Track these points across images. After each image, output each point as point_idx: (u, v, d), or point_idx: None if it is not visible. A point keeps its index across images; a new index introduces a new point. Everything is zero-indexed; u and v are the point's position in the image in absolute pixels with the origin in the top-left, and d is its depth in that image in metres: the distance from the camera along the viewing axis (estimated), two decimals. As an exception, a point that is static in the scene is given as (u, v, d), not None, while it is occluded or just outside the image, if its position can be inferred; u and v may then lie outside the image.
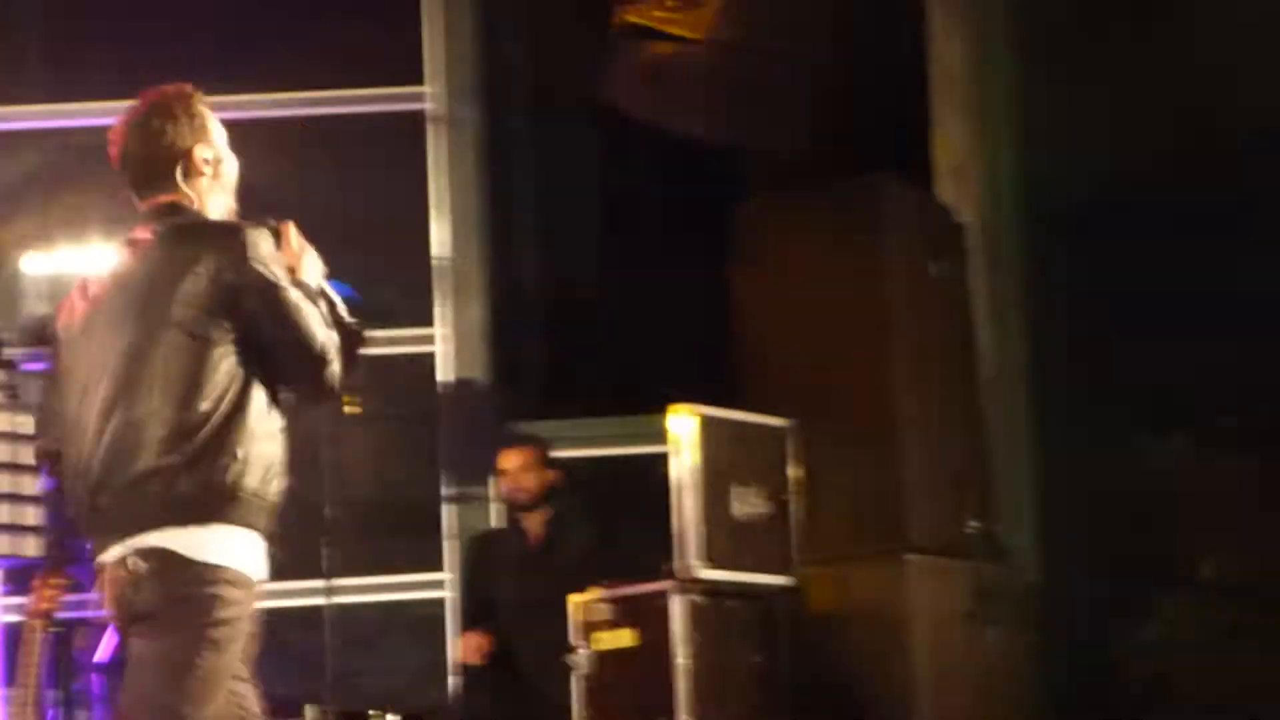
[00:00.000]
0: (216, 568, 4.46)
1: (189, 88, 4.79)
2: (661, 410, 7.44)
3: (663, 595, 7.25)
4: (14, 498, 7.51)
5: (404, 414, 8.59)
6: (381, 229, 8.72)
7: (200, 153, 4.70)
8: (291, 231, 4.70)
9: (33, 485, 7.57)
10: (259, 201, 8.33)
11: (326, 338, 4.57)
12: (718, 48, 8.06)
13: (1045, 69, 8.44)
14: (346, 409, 7.87)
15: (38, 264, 8.74)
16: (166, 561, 4.44)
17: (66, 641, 7.56)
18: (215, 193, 4.72)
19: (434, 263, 8.75)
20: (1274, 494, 8.06)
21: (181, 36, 8.59)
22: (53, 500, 7.51)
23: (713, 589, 7.34)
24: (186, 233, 4.60)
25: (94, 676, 7.98)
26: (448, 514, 8.57)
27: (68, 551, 7.73)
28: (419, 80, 8.79)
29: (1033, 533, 8.20)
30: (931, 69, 8.61)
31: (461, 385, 8.66)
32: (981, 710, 7.69)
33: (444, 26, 8.77)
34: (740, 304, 8.22)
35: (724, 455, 7.49)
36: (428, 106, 8.80)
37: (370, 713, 7.31)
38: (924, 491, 7.78)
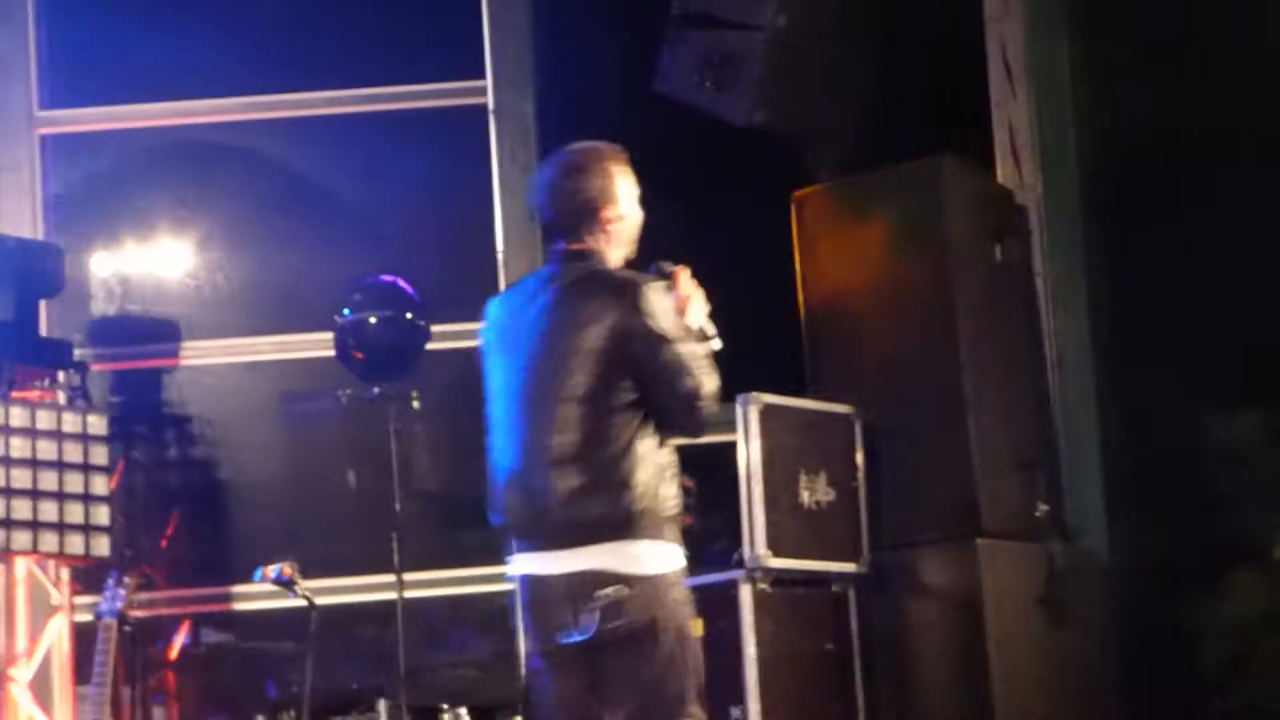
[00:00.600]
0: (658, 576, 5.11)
1: (607, 148, 5.39)
2: (728, 398, 7.40)
3: (731, 584, 7.27)
4: (88, 498, 7.57)
5: (470, 406, 8.57)
6: (445, 223, 8.74)
7: (608, 211, 5.30)
8: (683, 277, 5.31)
9: (104, 486, 7.64)
10: (329, 199, 8.35)
11: (699, 383, 5.14)
12: (775, 33, 8.03)
13: (1105, 47, 8.41)
14: (413, 403, 7.90)
15: (106, 265, 8.81)
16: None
17: (139, 639, 7.63)
18: (617, 245, 5.32)
19: (498, 255, 8.75)
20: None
21: (243, 33, 8.66)
22: (121, 500, 7.61)
23: (781, 578, 7.35)
24: (591, 283, 5.20)
25: (166, 673, 8.05)
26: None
27: (139, 551, 7.82)
28: (480, 74, 8.81)
29: (1103, 514, 8.16)
30: (990, 48, 8.61)
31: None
32: (1056, 693, 7.67)
33: (503, 19, 8.78)
34: (804, 289, 8.20)
35: (790, 442, 7.50)
36: (490, 100, 8.81)
37: (443, 707, 7.32)
38: (993, 475, 7.76)
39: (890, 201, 8.07)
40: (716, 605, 7.20)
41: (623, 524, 5.09)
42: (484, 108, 8.79)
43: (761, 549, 7.28)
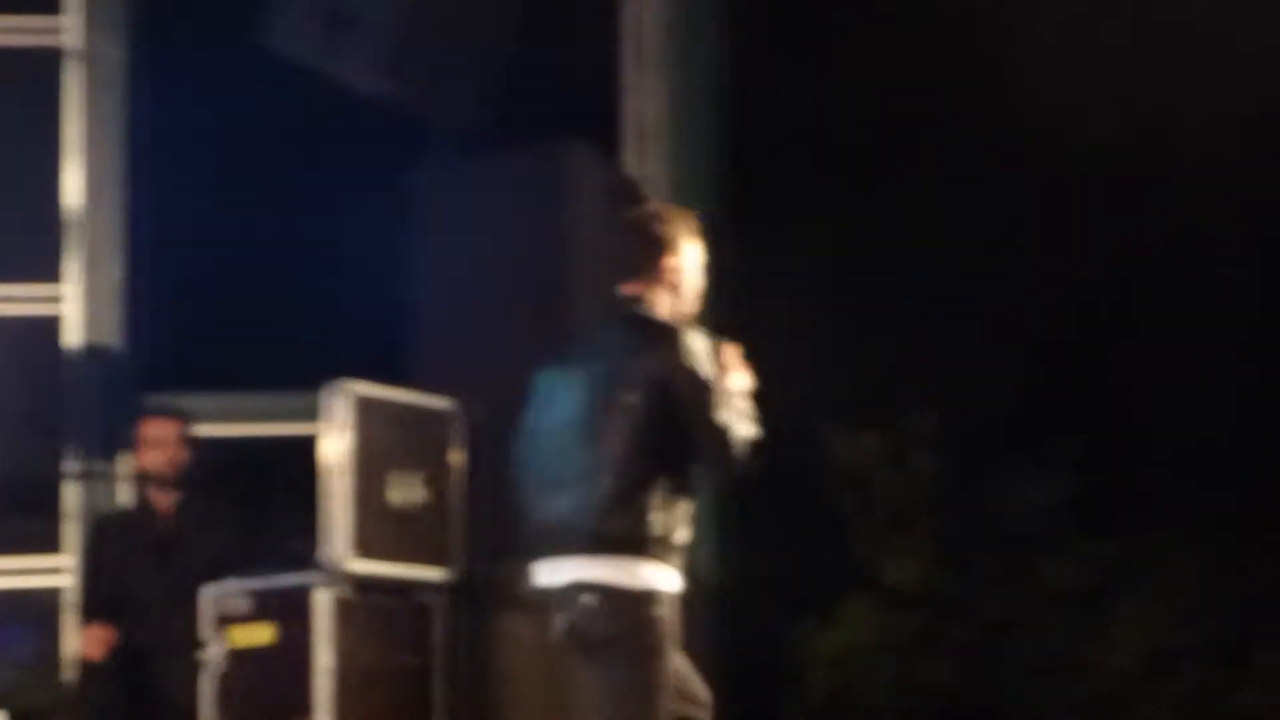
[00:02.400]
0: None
1: (686, 212, 5.95)
2: (316, 386, 7.02)
3: (307, 588, 6.86)
4: None
5: (24, 380, 7.92)
6: (7, 173, 8.10)
7: (668, 260, 5.72)
8: (729, 352, 5.67)
9: None
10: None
11: (733, 426, 5.49)
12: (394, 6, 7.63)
13: (744, 36, 8.20)
14: None
15: None
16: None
17: None
18: (669, 295, 5.72)
19: (65, 214, 8.10)
20: (959, 496, 7.95)
21: None
22: None
23: (363, 583, 6.98)
24: (638, 325, 5.66)
25: None
26: (70, 492, 7.94)
27: None
28: (56, 10, 8.19)
29: (713, 533, 7.84)
30: (623, 32, 8.38)
31: (91, 350, 8.04)
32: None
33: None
34: (416, 274, 7.85)
35: (382, 438, 7.13)
36: (65, 40, 8.18)
37: None
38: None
39: (511, 186, 7.80)
40: (289, 610, 6.83)
41: (628, 543, 5.51)
42: (58, 49, 8.18)
43: (344, 551, 6.88)
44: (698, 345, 5.55)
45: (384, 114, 8.13)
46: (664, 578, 5.51)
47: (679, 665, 5.59)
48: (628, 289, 5.72)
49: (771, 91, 8.13)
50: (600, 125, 8.24)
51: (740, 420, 5.53)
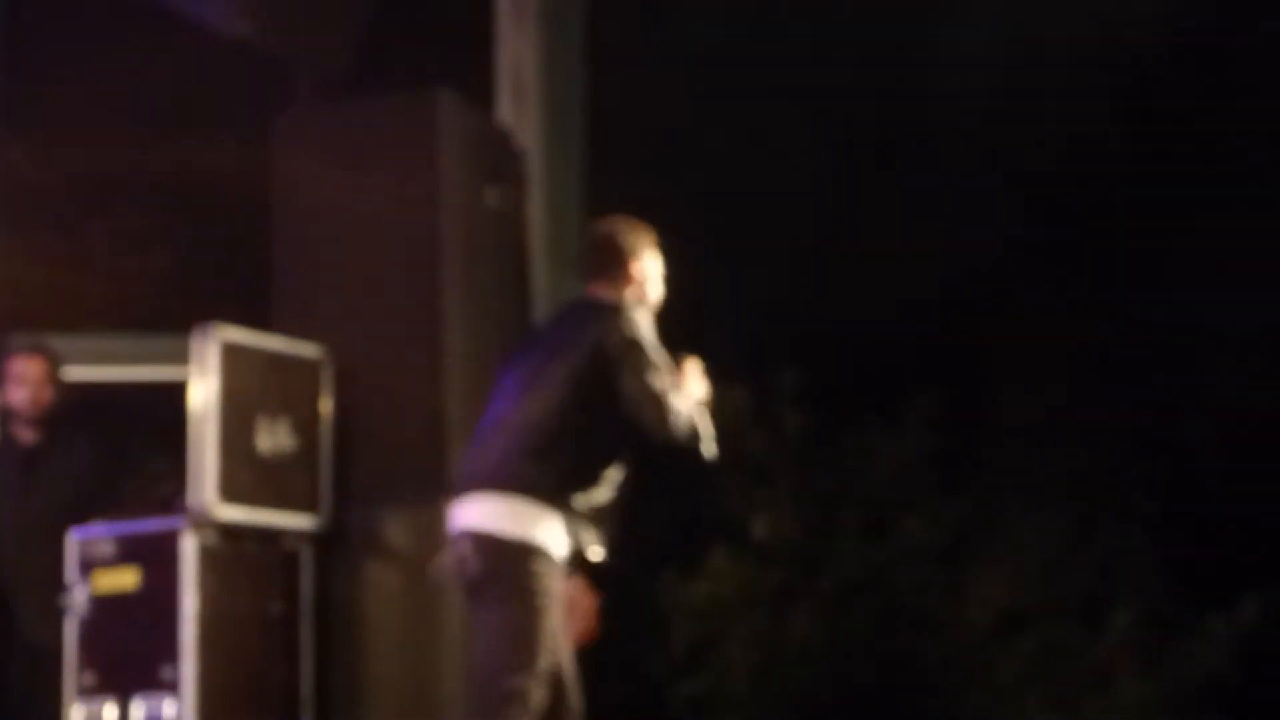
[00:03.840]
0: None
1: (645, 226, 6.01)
2: (185, 330, 6.91)
3: (173, 534, 6.76)
4: None
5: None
6: None
7: (633, 265, 5.88)
8: (691, 365, 5.84)
9: None
10: None
11: (671, 396, 5.56)
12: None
13: None
14: None
15: None
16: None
17: None
18: (635, 299, 5.81)
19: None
20: (827, 454, 7.98)
21: None
22: None
23: (230, 529, 6.89)
24: (589, 303, 5.82)
25: None
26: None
27: None
28: None
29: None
30: None
31: (-44, 288, 7.86)
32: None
33: None
34: (278, 218, 7.65)
35: (250, 384, 7.03)
36: None
37: None
38: (468, 434, 7.27)
39: (379, 133, 7.64)
40: (155, 555, 6.74)
41: (531, 491, 5.55)
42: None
43: (210, 496, 6.77)
44: (643, 319, 5.66)
45: (249, 55, 8.04)
46: (552, 536, 5.55)
47: (562, 653, 5.64)
48: (593, 290, 5.87)
49: (644, 42, 8.08)
50: (474, 76, 8.13)
51: (685, 401, 5.62)
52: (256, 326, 7.19)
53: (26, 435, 7.31)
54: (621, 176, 8.00)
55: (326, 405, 7.23)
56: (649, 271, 5.93)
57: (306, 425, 7.15)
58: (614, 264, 5.88)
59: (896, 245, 8.43)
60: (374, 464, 7.23)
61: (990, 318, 8.58)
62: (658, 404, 5.53)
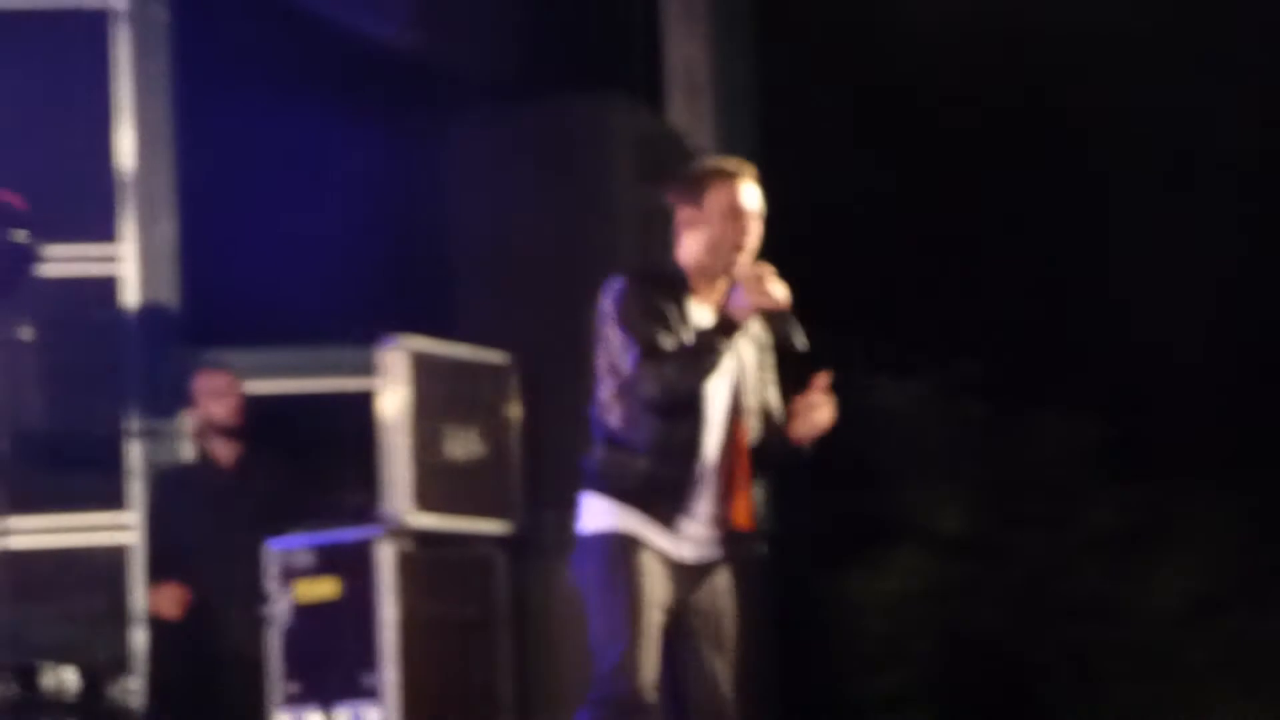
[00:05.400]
0: None
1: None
2: (370, 342, 7.04)
3: (369, 542, 6.89)
4: None
5: (84, 339, 7.89)
6: (62, 136, 8.06)
7: (682, 213, 5.43)
8: (759, 270, 5.31)
9: None
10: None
11: (645, 348, 5.29)
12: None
13: None
14: (21, 334, 7.31)
15: None
16: None
17: None
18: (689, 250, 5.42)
19: (118, 174, 8.09)
20: (1011, 444, 7.95)
21: None
22: None
23: (425, 537, 6.98)
24: None
25: None
26: (132, 449, 7.94)
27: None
28: None
29: (762, 482, 7.83)
30: None
31: (149, 307, 8.04)
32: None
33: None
34: (456, 226, 7.73)
35: (438, 392, 7.14)
36: (114, 2, 8.16)
37: (44, 666, 6.78)
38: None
39: (553, 137, 7.75)
40: (353, 564, 6.86)
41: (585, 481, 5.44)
42: (109, 11, 8.14)
43: (405, 504, 6.86)
44: (622, 287, 5.41)
45: (419, 67, 8.13)
46: (600, 517, 5.34)
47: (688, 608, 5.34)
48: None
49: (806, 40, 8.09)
50: (643, 75, 8.17)
51: (658, 351, 5.28)
52: (436, 334, 7.28)
53: (222, 451, 7.43)
54: (795, 170, 8.03)
55: (515, 411, 7.31)
56: (712, 211, 5.45)
57: (495, 432, 7.25)
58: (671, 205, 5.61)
59: (1067, 229, 8.41)
60: (563, 468, 7.29)
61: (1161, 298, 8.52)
62: (643, 369, 5.28)
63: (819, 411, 5.45)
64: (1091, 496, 8.08)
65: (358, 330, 7.42)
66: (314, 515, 7.13)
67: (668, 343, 5.28)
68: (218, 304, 8.05)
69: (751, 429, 5.44)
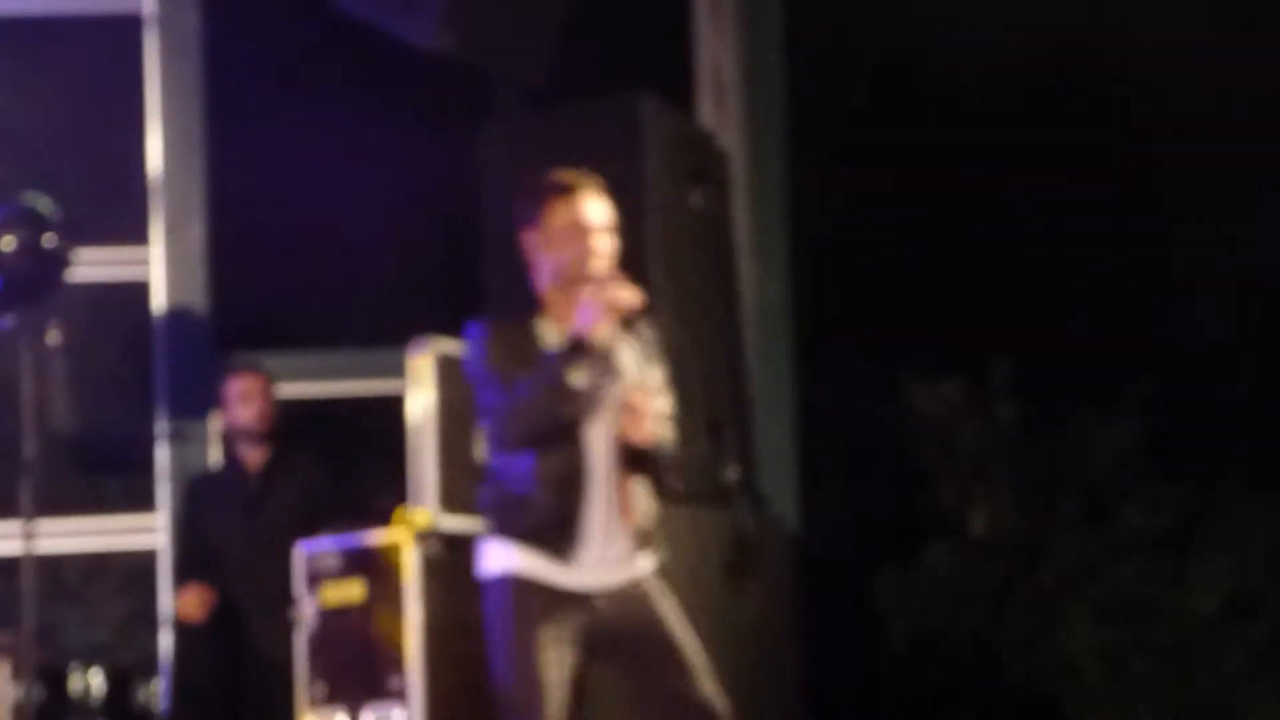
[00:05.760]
0: None
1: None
2: (400, 343, 6.98)
3: (396, 545, 6.81)
4: None
5: (115, 342, 7.96)
6: (93, 140, 8.20)
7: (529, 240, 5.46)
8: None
9: None
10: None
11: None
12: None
13: None
14: (49, 338, 7.32)
15: None
16: None
17: None
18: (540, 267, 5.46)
19: (149, 177, 8.17)
20: (1044, 444, 7.93)
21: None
22: None
23: (452, 539, 6.90)
24: None
25: None
26: (163, 452, 8.01)
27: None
28: None
29: (796, 482, 7.86)
30: None
31: (178, 311, 8.10)
32: (737, 668, 7.29)
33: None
34: (487, 228, 7.74)
35: (467, 395, 6.99)
36: (145, 7, 8.26)
37: (72, 668, 6.87)
38: (680, 436, 7.31)
39: (581, 139, 7.69)
40: (379, 567, 6.79)
41: None
42: (140, 16, 8.25)
43: (433, 507, 6.80)
44: (492, 333, 5.45)
45: (450, 68, 8.14)
46: (494, 558, 5.43)
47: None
48: None
49: (846, 37, 8.09)
50: (677, 76, 8.21)
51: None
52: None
53: (251, 454, 7.47)
54: (825, 172, 8.04)
55: (542, 414, 7.29)
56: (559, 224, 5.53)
57: (523, 434, 7.22)
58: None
59: (1105, 227, 8.39)
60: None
61: (1200, 298, 8.50)
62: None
63: (636, 416, 5.33)
64: (1127, 497, 8.05)
65: (391, 333, 7.44)
66: (343, 518, 7.14)
67: (525, 382, 5.22)
68: (247, 307, 8.11)
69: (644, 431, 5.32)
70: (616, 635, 5.28)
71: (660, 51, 8.23)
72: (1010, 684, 7.82)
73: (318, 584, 6.91)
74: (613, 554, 5.29)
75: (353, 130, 8.13)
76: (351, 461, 7.79)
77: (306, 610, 6.91)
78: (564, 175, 5.46)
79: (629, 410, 5.30)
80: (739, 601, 7.34)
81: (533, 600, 5.24)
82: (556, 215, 5.36)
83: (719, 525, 7.39)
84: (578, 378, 5.20)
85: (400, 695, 6.75)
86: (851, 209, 7.93)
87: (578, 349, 5.21)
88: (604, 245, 5.35)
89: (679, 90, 8.17)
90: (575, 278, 5.29)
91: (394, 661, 6.74)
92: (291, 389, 7.75)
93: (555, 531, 5.25)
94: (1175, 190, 8.31)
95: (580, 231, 5.32)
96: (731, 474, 7.47)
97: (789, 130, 8.11)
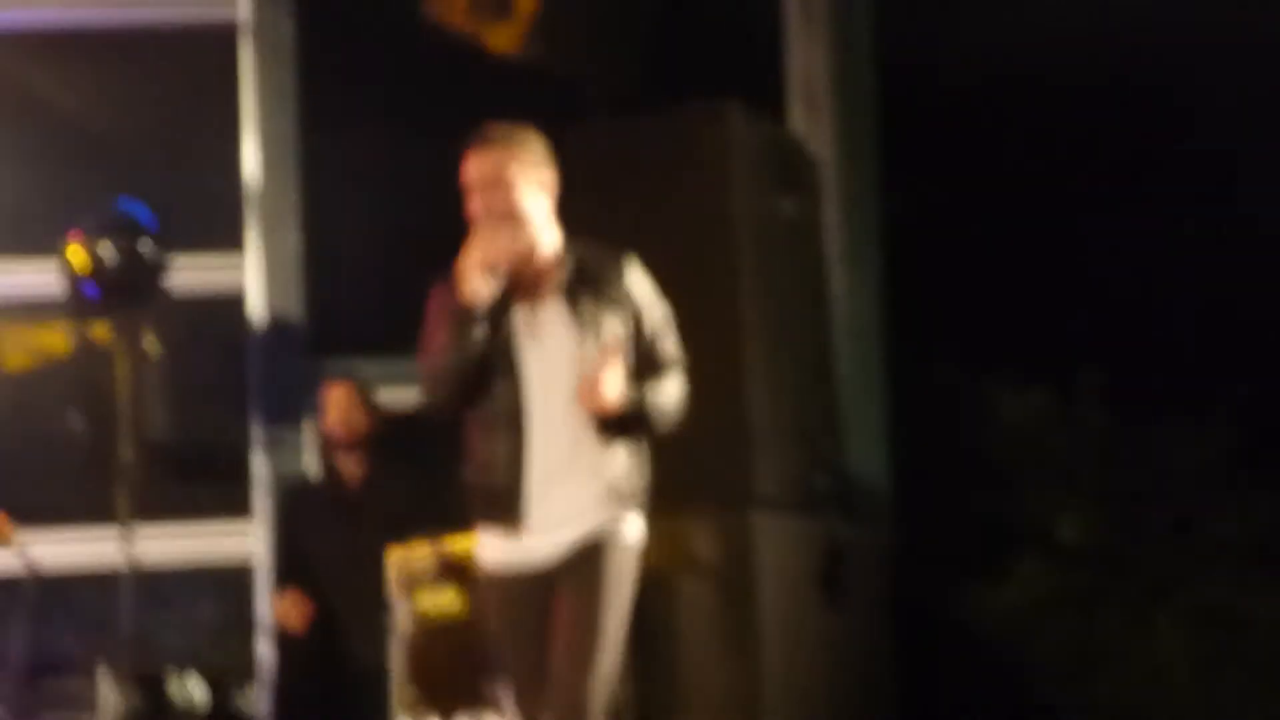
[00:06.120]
0: None
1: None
2: None
3: None
4: None
5: (211, 349, 8.05)
6: (189, 148, 8.25)
7: None
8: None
9: None
10: (61, 117, 7.81)
11: None
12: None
13: None
14: (146, 345, 7.41)
15: None
16: None
17: None
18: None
19: (245, 185, 8.23)
20: (1134, 453, 7.89)
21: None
22: None
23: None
24: None
25: None
26: (259, 459, 8.09)
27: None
28: None
29: (887, 491, 7.86)
30: None
31: (274, 319, 8.17)
32: (829, 677, 7.33)
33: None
34: (577, 235, 7.75)
35: None
36: (240, 16, 8.33)
37: (169, 673, 6.97)
38: (771, 442, 7.37)
39: (669, 146, 7.71)
40: (471, 573, 6.54)
41: None
42: (235, 25, 8.32)
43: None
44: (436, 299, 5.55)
45: (539, 77, 8.16)
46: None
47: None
48: None
49: (939, 46, 8.06)
50: (767, 83, 8.19)
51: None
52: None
53: (347, 461, 7.49)
54: (916, 180, 8.02)
55: (632, 419, 7.30)
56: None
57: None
58: None
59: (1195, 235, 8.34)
60: (678, 475, 7.31)
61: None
62: None
63: (589, 388, 5.29)
64: (1216, 506, 8.01)
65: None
66: (438, 524, 7.17)
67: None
68: (342, 313, 8.15)
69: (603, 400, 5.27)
70: (563, 586, 5.34)
71: (752, 59, 8.20)
72: (1100, 693, 7.79)
73: (411, 591, 6.96)
74: (562, 507, 5.31)
75: (445, 136, 8.15)
76: (447, 466, 7.81)
77: (400, 617, 6.95)
78: (483, 129, 5.52)
79: (582, 385, 5.28)
80: (831, 613, 7.38)
81: (495, 595, 5.39)
82: (463, 173, 5.49)
83: (811, 535, 7.41)
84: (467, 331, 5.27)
85: (494, 702, 6.79)
86: (942, 217, 7.90)
87: (464, 315, 5.31)
88: (475, 205, 5.44)
89: (770, 98, 8.15)
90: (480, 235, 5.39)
91: (487, 668, 6.81)
92: (386, 395, 7.76)
93: (500, 493, 5.35)
94: (1267, 198, 8.27)
95: (468, 188, 5.47)
96: (822, 483, 7.49)
97: (880, 138, 8.09)
